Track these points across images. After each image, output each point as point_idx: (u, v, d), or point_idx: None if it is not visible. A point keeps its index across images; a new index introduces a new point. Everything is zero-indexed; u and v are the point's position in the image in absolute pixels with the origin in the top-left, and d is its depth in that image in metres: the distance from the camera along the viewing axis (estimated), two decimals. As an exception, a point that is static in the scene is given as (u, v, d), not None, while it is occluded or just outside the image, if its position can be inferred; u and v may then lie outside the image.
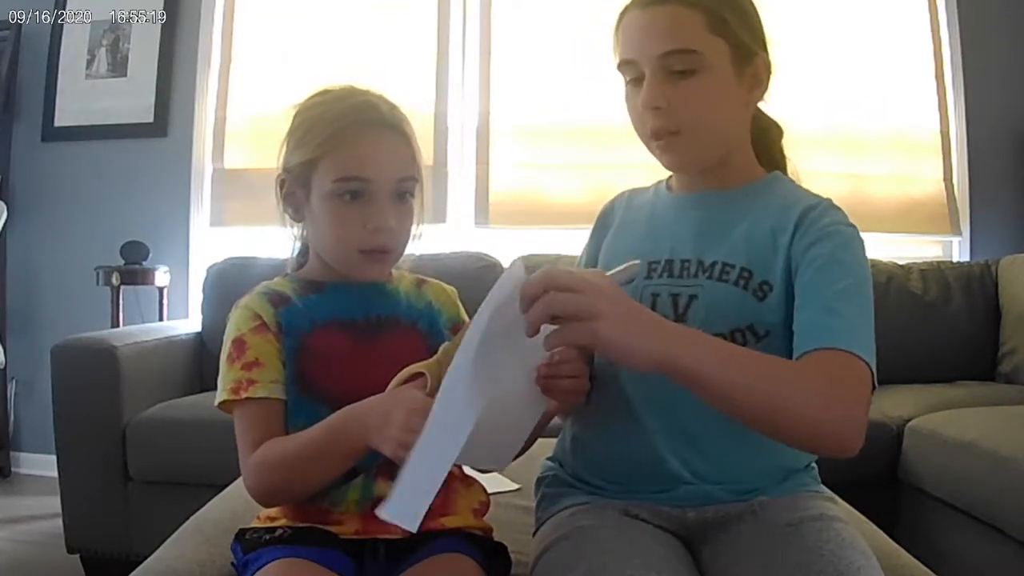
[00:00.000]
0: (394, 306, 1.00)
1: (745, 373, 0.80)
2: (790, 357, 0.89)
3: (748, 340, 0.93)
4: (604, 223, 1.13)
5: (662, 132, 0.96)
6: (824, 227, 0.94)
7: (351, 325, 0.96)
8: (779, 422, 0.82)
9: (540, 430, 0.97)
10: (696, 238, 1.00)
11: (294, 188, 0.96)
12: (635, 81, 0.98)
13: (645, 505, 0.97)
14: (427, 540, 0.91)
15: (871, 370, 0.86)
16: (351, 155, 0.93)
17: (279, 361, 0.93)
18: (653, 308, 0.95)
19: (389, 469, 0.89)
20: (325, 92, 0.98)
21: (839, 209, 0.98)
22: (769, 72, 0.99)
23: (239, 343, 0.93)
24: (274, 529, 0.92)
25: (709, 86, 0.94)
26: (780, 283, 0.94)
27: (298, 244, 1.03)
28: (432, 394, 0.79)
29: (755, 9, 0.99)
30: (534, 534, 1.05)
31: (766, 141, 1.07)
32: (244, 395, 0.90)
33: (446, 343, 0.85)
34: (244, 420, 0.92)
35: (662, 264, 1.00)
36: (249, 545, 0.92)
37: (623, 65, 0.99)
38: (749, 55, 0.97)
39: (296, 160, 0.95)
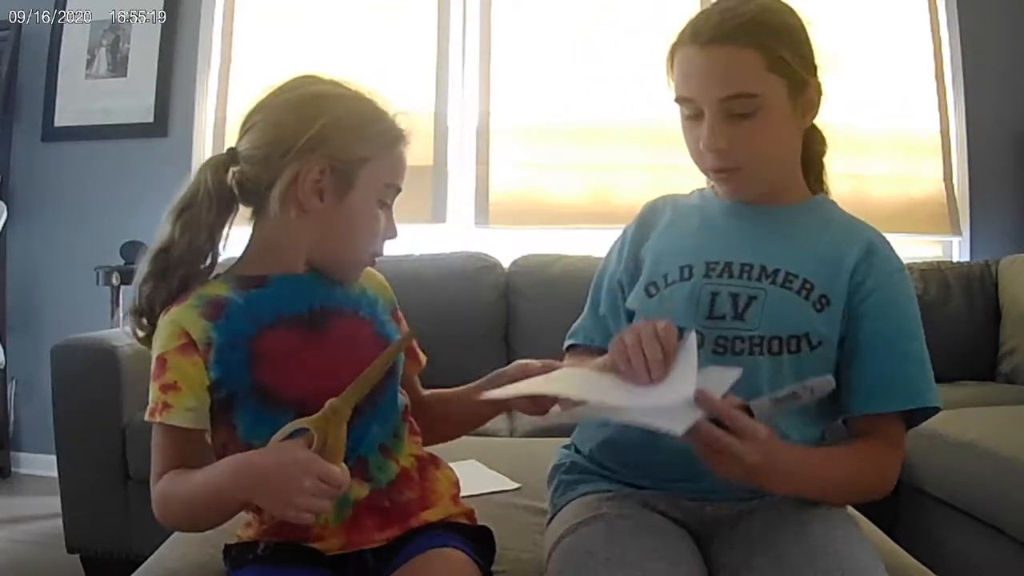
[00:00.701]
0: (335, 294, 0.96)
1: (818, 489, 0.94)
2: (835, 368, 0.98)
3: (803, 347, 0.96)
4: (647, 224, 1.12)
5: (723, 169, 0.99)
6: (892, 273, 1.01)
7: (297, 320, 0.92)
8: (849, 501, 1.01)
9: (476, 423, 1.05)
10: (756, 245, 1.02)
11: (327, 176, 0.90)
12: (694, 117, 0.99)
13: (664, 497, 0.99)
14: (411, 538, 0.90)
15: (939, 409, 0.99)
16: (397, 161, 0.95)
17: (201, 386, 0.87)
18: (712, 305, 0.98)
19: (361, 470, 0.89)
20: (360, 94, 0.96)
21: (888, 243, 1.04)
22: (821, 94, 1.01)
23: (160, 361, 0.87)
24: (256, 545, 0.90)
25: (769, 125, 0.96)
26: (839, 301, 0.98)
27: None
28: (319, 451, 0.79)
29: (807, 34, 0.99)
30: (549, 520, 1.05)
31: (810, 154, 1.09)
32: (158, 418, 0.86)
33: (333, 399, 0.83)
34: (157, 442, 0.88)
35: (721, 265, 1.01)
36: (234, 563, 0.91)
37: (681, 101, 1.00)
38: (803, 84, 0.98)
39: (352, 152, 0.91)
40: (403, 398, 0.99)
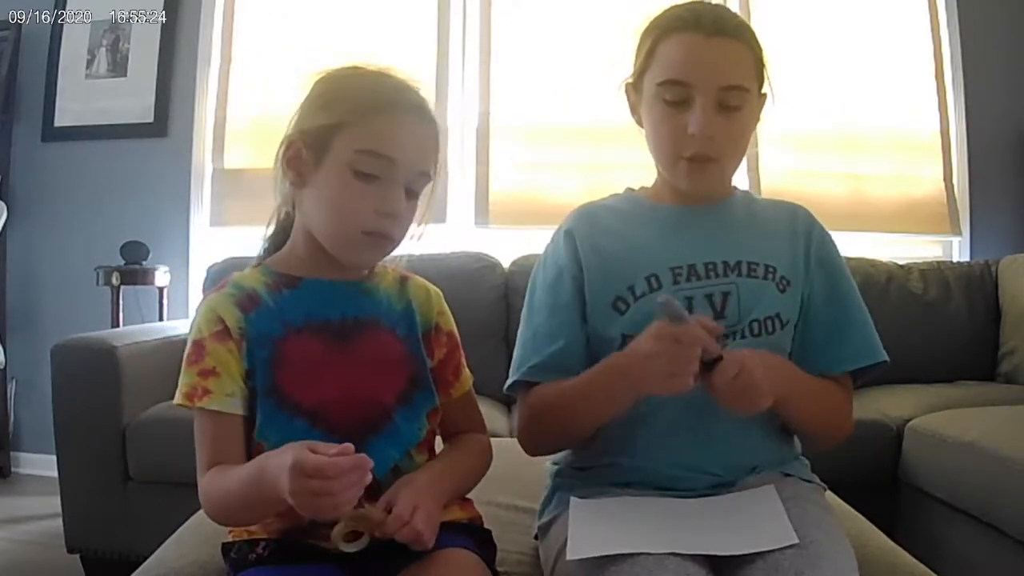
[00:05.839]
0: (374, 306, 0.94)
1: (820, 406, 1.03)
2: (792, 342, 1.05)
3: (775, 326, 1.01)
4: (584, 234, 1.08)
5: (704, 159, 1.00)
6: (828, 242, 1.09)
7: (325, 327, 0.90)
8: (828, 435, 1.06)
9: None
10: (710, 243, 1.04)
11: (302, 151, 0.88)
12: (677, 104, 0.99)
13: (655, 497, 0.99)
14: None
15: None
16: (381, 129, 0.87)
17: (238, 372, 0.87)
18: (690, 310, 0.97)
19: (375, 492, 0.87)
20: (359, 67, 0.92)
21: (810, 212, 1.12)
22: (763, 105, 1.07)
23: (198, 346, 0.87)
24: (256, 543, 0.89)
25: (747, 122, 1.02)
26: (797, 279, 1.05)
27: (272, 225, 0.98)
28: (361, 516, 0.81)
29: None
30: (547, 525, 1.05)
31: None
32: (198, 404, 0.85)
33: (366, 508, 0.81)
34: (200, 430, 0.87)
35: (685, 269, 1.02)
36: (235, 563, 0.89)
37: (669, 84, 0.99)
38: (761, 95, 1.05)
39: (319, 121, 0.88)
40: (426, 423, 0.95)
